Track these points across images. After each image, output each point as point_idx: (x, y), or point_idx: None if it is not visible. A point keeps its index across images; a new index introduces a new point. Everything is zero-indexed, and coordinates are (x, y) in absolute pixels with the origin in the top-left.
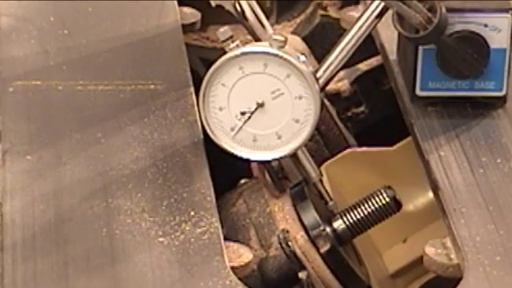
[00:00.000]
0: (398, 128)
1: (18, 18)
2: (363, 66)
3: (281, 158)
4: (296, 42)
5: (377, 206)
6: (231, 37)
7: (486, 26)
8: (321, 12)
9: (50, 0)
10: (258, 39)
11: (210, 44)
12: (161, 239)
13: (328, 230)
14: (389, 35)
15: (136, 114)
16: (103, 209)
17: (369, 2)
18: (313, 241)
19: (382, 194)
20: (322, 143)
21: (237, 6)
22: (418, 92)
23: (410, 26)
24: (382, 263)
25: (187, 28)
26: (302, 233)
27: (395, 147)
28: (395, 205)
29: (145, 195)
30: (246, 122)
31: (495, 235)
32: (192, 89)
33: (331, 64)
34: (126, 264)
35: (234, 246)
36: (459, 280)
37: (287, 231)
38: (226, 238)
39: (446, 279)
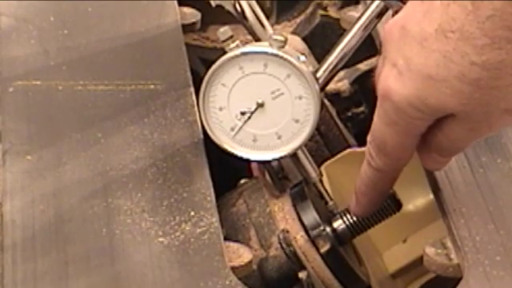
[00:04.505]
0: None
1: (18, 18)
2: (363, 66)
3: (281, 157)
4: (296, 42)
5: None
6: (231, 37)
7: None
8: (321, 12)
9: (50, 0)
10: (258, 39)
11: (210, 44)
12: (161, 239)
13: (328, 229)
14: None
15: (136, 114)
16: (103, 209)
17: (369, 1)
18: (313, 241)
19: None
20: (322, 143)
21: (237, 5)
22: None
23: None
24: (382, 263)
25: (187, 28)
26: (302, 233)
27: None
28: (395, 205)
29: (145, 195)
30: (246, 122)
31: (495, 235)
32: (192, 89)
33: (331, 64)
34: (126, 264)
35: (234, 246)
36: (459, 280)
37: (287, 231)
38: (226, 238)
39: (445, 279)
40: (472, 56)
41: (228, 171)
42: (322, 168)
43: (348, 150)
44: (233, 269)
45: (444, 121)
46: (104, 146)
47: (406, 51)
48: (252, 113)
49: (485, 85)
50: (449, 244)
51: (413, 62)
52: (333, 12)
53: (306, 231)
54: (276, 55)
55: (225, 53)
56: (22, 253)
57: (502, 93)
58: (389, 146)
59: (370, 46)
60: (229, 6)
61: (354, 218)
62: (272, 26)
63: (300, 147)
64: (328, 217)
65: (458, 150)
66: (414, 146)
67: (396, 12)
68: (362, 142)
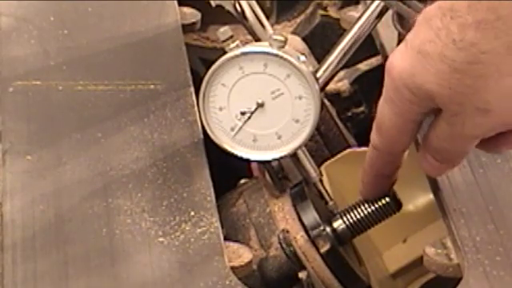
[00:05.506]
0: None
1: (18, 18)
2: (363, 66)
3: (281, 157)
4: (296, 42)
5: (377, 205)
6: (231, 37)
7: None
8: (321, 12)
9: (50, 0)
10: (258, 39)
11: (210, 44)
12: (161, 239)
13: (328, 229)
14: (389, 35)
15: (136, 114)
16: (103, 209)
17: (369, 1)
18: (313, 241)
19: None
20: (322, 143)
21: (237, 5)
22: None
23: (410, 26)
24: (381, 263)
25: (187, 28)
26: (302, 233)
27: None
28: (395, 205)
29: (145, 195)
30: (246, 121)
31: (495, 235)
32: (192, 89)
33: (331, 64)
34: (126, 264)
35: (234, 246)
36: (459, 280)
37: (287, 231)
38: (225, 238)
39: (445, 279)
40: (455, 35)
41: (228, 171)
42: (322, 168)
43: (348, 150)
44: (233, 269)
45: (436, 118)
46: (104, 146)
47: (417, 29)
48: (252, 113)
49: (460, 68)
50: (449, 244)
51: (415, 38)
52: (333, 12)
53: (306, 231)
54: (276, 55)
55: (225, 53)
56: (22, 253)
57: (475, 83)
58: (384, 125)
59: (370, 46)
60: (229, 6)
61: (354, 218)
62: (272, 25)
63: (300, 147)
64: (328, 217)
65: (445, 150)
66: (409, 132)
67: (396, 12)
68: (362, 142)
